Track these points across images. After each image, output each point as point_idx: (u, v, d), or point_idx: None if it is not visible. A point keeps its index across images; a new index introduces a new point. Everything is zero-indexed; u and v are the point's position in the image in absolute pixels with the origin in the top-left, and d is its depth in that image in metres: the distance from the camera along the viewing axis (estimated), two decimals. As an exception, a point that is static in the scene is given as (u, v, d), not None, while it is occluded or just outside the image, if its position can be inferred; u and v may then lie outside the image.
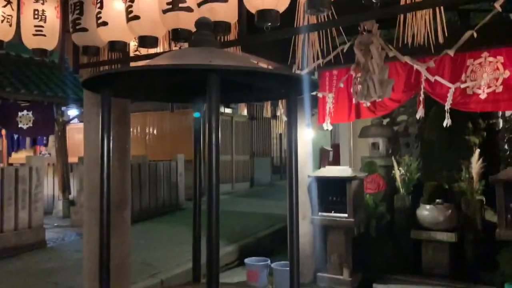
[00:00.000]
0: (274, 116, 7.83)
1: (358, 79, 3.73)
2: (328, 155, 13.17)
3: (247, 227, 7.62)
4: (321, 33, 2.49)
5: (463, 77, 4.46)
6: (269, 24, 2.06)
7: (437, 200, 5.09)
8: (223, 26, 2.16)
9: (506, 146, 5.82)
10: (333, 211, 5.16)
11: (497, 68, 4.32)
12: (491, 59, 4.35)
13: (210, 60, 1.48)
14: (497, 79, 4.31)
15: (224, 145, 11.93)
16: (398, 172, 5.46)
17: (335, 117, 5.36)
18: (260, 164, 12.91)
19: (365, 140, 6.54)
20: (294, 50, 2.87)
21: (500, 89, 4.32)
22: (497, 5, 2.57)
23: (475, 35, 3.01)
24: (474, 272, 4.79)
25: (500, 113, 5.91)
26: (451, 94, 4.23)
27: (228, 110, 11.97)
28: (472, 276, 4.78)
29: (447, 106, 4.20)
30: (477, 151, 5.01)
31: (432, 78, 4.18)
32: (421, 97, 4.40)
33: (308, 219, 5.26)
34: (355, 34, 3.63)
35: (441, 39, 1.98)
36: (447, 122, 4.17)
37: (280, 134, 13.25)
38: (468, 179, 5.07)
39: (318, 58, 2.61)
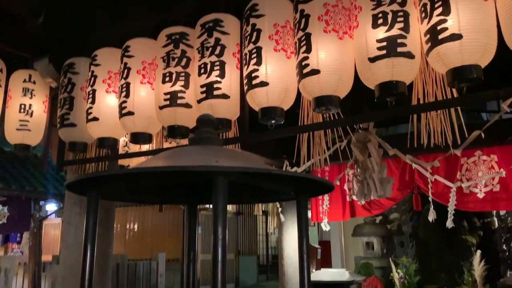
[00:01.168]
0: (264, 212, 7.57)
1: (358, 177, 3.59)
2: (316, 253, 12.71)
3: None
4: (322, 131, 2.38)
5: (458, 176, 4.39)
6: (274, 121, 1.94)
7: (441, 307, 4.74)
8: (224, 123, 2.03)
9: (504, 246, 5.60)
10: (330, 319, 4.73)
11: (492, 167, 4.27)
12: (485, 157, 4.32)
13: (217, 161, 1.31)
14: (493, 178, 4.24)
15: (207, 243, 11.42)
16: (396, 275, 5.13)
17: (330, 215, 5.16)
18: (245, 263, 12.27)
19: (358, 239, 6.28)
20: (292, 146, 2.73)
21: (497, 188, 4.23)
22: (505, 106, 2.54)
23: (482, 135, 2.96)
24: None
25: (494, 212, 5.79)
26: (454, 194, 4.11)
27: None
28: None
29: (451, 207, 4.06)
30: (478, 252, 4.78)
31: (432, 178, 4.08)
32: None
33: (303, 329, 4.78)
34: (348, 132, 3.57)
35: (450, 139, 1.88)
36: (450, 223, 4.00)
37: (268, 232, 12.84)
38: (472, 282, 4.77)
39: (318, 154, 2.47)
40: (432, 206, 4.08)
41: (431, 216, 3.82)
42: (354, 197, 5.01)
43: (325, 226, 4.93)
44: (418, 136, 1.91)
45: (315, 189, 1.70)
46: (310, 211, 5.29)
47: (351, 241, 7.00)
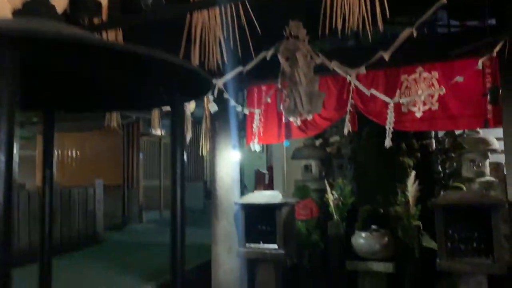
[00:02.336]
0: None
1: (285, 92, 3.24)
2: (264, 178, 12.76)
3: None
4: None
5: (397, 94, 4.15)
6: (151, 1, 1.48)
7: (373, 227, 4.70)
8: (90, 4, 1.54)
9: (439, 168, 5.60)
10: (261, 242, 4.60)
11: (432, 84, 4.04)
12: (425, 74, 4.08)
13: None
14: (432, 96, 4.03)
15: (151, 169, 11.09)
16: (331, 197, 5.03)
17: (265, 137, 4.87)
18: (192, 189, 12.15)
19: (299, 163, 6.10)
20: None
21: (436, 106, 4.05)
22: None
23: (414, 33, 2.62)
24: (413, 306, 4.40)
25: (433, 134, 5.72)
26: (391, 111, 3.90)
27: (156, 132, 11.20)
28: (411, 309, 4.39)
29: (389, 125, 3.85)
30: (413, 173, 4.70)
31: (368, 92, 3.81)
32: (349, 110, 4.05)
33: (235, 252, 4.65)
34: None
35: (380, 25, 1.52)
36: (388, 142, 3.82)
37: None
38: (404, 203, 4.73)
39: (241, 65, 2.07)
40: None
41: (346, 128, 3.62)
42: (291, 118, 4.71)
43: (254, 147, 4.64)
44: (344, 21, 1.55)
45: (189, 89, 1.27)
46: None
47: (293, 165, 6.86)
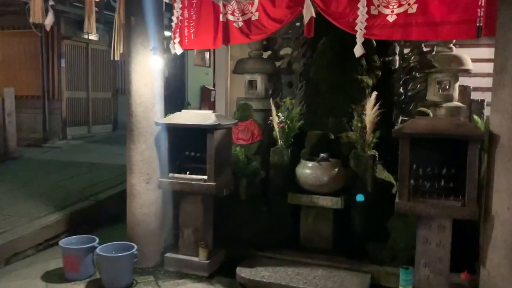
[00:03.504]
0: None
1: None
2: (210, 95, 11.80)
3: (93, 184, 5.93)
4: None
5: (368, -8, 3.21)
6: None
7: (321, 155, 3.97)
8: None
9: (401, 89, 4.88)
10: (188, 172, 3.77)
11: (413, -21, 3.12)
12: (406, -35, 3.13)
13: None
14: (410, -5, 3.13)
15: (77, 79, 9.71)
16: (276, 119, 4.20)
17: (197, 39, 3.85)
18: (124, 102, 10.94)
19: (243, 78, 5.15)
20: None
21: (414, 9, 3.17)
22: None
23: None
24: (361, 245, 3.85)
25: (398, 49, 4.92)
26: (363, 4, 3.02)
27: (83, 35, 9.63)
28: (358, 249, 3.84)
29: (360, 26, 3.00)
30: (373, 94, 3.92)
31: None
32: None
33: (155, 183, 3.80)
34: None
35: None
36: (359, 50, 3.00)
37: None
38: (360, 129, 4.00)
39: None
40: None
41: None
42: (230, 16, 3.68)
43: (174, 49, 3.64)
44: None
45: None
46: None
47: (237, 80, 5.92)
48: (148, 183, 3.76)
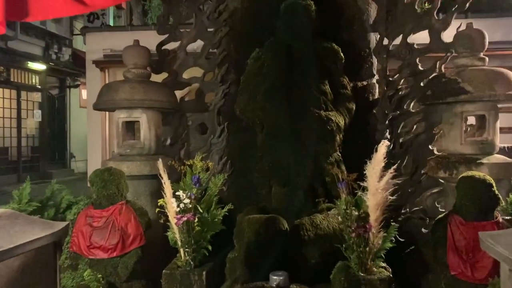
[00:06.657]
0: None
1: None
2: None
3: None
4: None
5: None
6: None
7: (274, 278, 1.76)
8: None
9: (387, 133, 2.95)
10: None
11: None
12: None
13: None
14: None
15: None
16: (172, 206, 1.94)
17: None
18: None
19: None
20: None
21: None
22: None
23: None
24: None
25: (376, 67, 3.00)
26: None
27: None
28: None
29: None
30: (383, 144, 1.85)
31: None
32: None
33: None
34: None
35: None
36: None
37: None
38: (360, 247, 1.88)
39: None
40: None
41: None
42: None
43: None
44: None
45: None
46: None
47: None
48: None
